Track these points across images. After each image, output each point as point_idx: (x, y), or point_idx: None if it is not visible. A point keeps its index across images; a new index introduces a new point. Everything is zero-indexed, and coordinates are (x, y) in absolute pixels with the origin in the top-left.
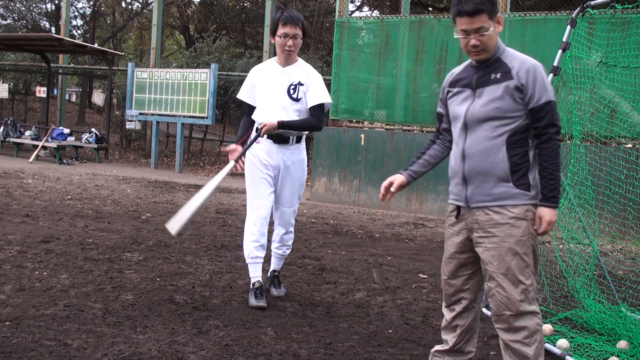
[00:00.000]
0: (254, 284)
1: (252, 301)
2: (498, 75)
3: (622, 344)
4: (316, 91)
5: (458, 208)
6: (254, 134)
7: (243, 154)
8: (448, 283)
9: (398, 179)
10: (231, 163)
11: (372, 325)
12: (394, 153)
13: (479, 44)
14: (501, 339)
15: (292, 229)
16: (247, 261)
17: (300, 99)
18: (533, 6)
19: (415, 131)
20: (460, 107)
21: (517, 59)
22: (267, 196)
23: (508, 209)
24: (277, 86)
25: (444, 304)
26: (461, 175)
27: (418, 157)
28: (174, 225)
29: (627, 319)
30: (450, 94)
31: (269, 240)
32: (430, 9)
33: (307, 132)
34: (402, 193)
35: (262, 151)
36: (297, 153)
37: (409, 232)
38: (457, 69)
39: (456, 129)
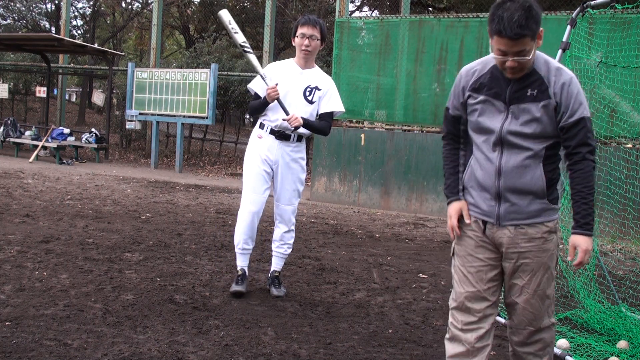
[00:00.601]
0: (237, 271)
1: (232, 287)
2: (535, 92)
3: (622, 344)
4: (332, 98)
5: (484, 222)
6: (284, 122)
7: (275, 92)
8: (478, 297)
9: (464, 206)
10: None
11: (372, 325)
12: (394, 153)
13: (517, 66)
14: (513, 348)
15: (292, 227)
16: (236, 250)
17: (313, 102)
18: None
19: (415, 131)
20: (491, 120)
21: (552, 71)
22: (261, 192)
23: (544, 224)
24: (294, 86)
25: (460, 327)
26: (495, 192)
27: (453, 172)
28: (226, 16)
29: (627, 319)
30: (473, 100)
31: (270, 241)
32: (430, 9)
33: (309, 133)
34: (402, 193)
35: (263, 147)
36: (297, 151)
37: (409, 232)
38: (479, 68)
39: (486, 142)
